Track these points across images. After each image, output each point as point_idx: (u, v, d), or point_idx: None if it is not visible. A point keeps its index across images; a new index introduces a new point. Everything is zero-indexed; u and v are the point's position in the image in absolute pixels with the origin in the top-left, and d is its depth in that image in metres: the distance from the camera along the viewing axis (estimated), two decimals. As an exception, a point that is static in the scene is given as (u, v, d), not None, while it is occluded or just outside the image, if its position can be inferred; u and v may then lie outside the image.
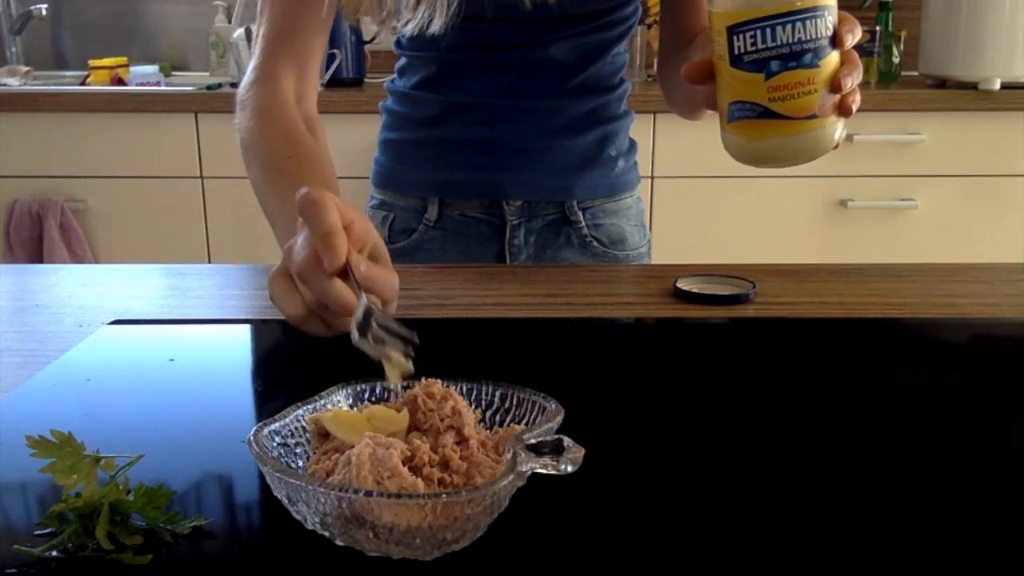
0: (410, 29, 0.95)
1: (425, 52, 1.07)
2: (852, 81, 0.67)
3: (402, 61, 1.12)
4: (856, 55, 0.69)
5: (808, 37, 0.65)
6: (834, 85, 0.66)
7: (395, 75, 1.14)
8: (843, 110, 0.68)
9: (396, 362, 0.58)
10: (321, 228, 0.61)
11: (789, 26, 0.65)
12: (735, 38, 0.66)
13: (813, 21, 0.65)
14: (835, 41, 0.66)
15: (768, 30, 0.65)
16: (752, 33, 0.66)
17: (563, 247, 1.11)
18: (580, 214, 1.10)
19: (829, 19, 0.66)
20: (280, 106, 0.88)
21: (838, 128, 0.70)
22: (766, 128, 0.68)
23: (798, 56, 0.65)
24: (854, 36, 0.68)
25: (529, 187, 1.08)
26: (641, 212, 1.18)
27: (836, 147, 0.71)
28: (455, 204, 1.10)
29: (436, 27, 0.93)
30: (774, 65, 0.66)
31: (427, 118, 1.09)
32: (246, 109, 0.89)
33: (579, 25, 1.02)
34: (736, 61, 0.67)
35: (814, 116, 0.67)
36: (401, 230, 1.12)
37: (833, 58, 0.66)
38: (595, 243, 1.11)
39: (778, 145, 0.69)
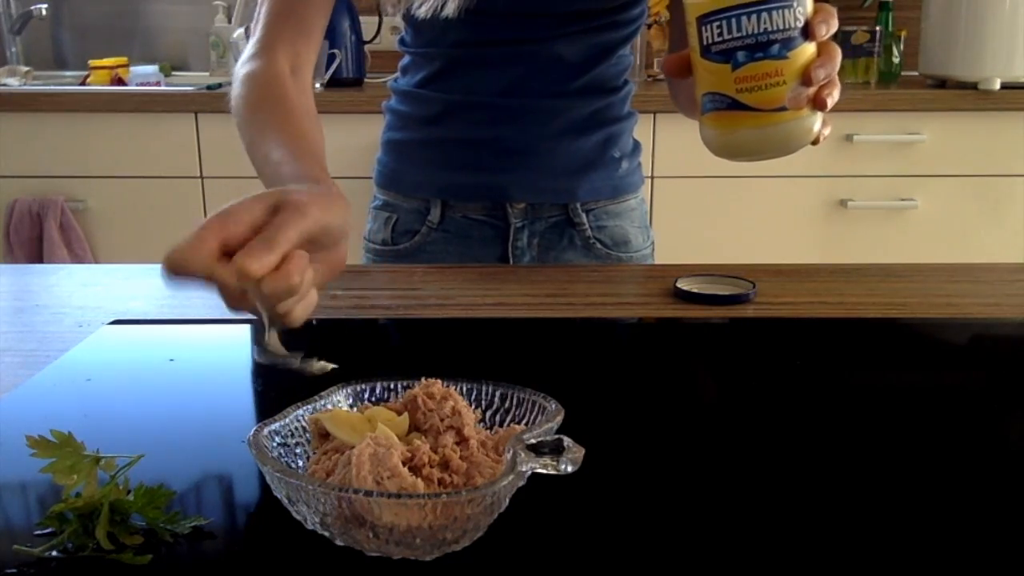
0: (424, 11, 0.95)
1: (429, 48, 1.07)
2: (825, 73, 0.65)
3: (405, 59, 1.12)
4: (834, 47, 0.67)
5: (775, 27, 0.65)
6: (805, 77, 0.66)
7: (398, 73, 1.14)
8: (817, 103, 0.67)
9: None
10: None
11: (755, 16, 0.64)
12: (704, 28, 0.66)
13: (780, 11, 0.65)
14: (808, 32, 0.66)
15: (734, 20, 0.65)
16: (719, 23, 0.65)
17: (566, 249, 1.11)
18: (584, 216, 1.09)
19: (799, 9, 0.65)
20: (272, 75, 0.88)
21: (814, 121, 0.68)
22: (736, 120, 0.68)
23: (764, 47, 0.65)
24: (829, 27, 0.66)
25: (533, 189, 1.08)
26: (645, 213, 1.18)
27: (816, 142, 0.70)
28: (458, 206, 1.09)
29: (450, 10, 0.93)
30: (740, 56, 0.66)
31: (429, 117, 1.09)
32: (238, 80, 0.89)
33: (587, 23, 1.02)
34: (705, 52, 0.67)
35: (783, 108, 0.66)
36: (404, 231, 1.12)
37: (805, 50, 0.66)
38: (599, 245, 1.11)
39: (749, 137, 0.68)
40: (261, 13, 0.93)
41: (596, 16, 1.02)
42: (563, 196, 1.08)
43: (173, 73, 2.84)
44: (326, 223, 0.58)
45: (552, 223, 1.10)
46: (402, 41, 1.11)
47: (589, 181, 1.09)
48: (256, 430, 0.51)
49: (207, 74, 2.73)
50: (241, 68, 0.90)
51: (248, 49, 0.92)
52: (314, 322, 0.86)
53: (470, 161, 1.08)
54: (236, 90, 0.88)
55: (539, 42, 1.02)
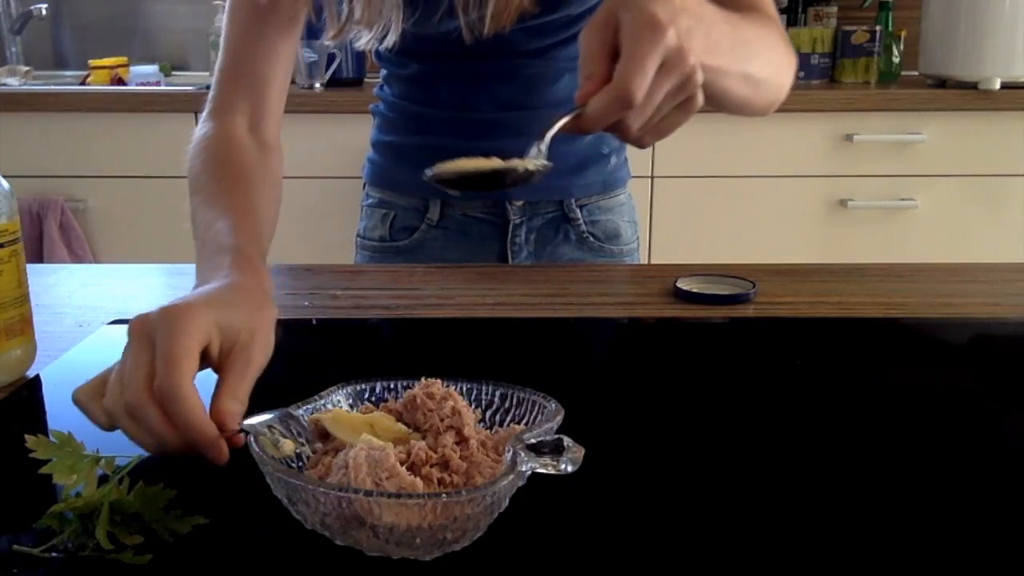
0: (363, 44, 0.94)
1: (397, 68, 1.08)
2: None
3: (383, 72, 1.12)
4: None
5: None
6: None
7: (382, 81, 1.14)
8: None
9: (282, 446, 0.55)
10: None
11: None
12: None
13: None
14: None
15: None
16: None
17: (561, 244, 1.12)
18: (578, 211, 1.11)
19: None
20: (225, 137, 0.87)
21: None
22: None
23: None
24: None
25: (530, 189, 1.08)
26: (633, 208, 1.19)
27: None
28: (457, 204, 1.10)
29: (389, 42, 0.93)
30: None
31: (417, 127, 1.09)
32: (192, 143, 0.88)
33: (534, 33, 1.00)
34: None
35: None
36: (402, 228, 1.12)
37: None
38: (592, 239, 1.12)
39: None
40: (216, 69, 0.92)
41: (544, 24, 0.99)
42: (559, 193, 1.10)
43: (173, 73, 2.84)
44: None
45: (549, 219, 1.11)
46: (377, 54, 1.09)
47: (583, 177, 1.10)
48: (255, 429, 0.51)
49: (207, 74, 2.73)
50: (199, 129, 0.89)
51: (205, 107, 0.91)
52: (314, 322, 0.86)
53: None
54: (189, 153, 0.88)
55: (504, 57, 1.01)
